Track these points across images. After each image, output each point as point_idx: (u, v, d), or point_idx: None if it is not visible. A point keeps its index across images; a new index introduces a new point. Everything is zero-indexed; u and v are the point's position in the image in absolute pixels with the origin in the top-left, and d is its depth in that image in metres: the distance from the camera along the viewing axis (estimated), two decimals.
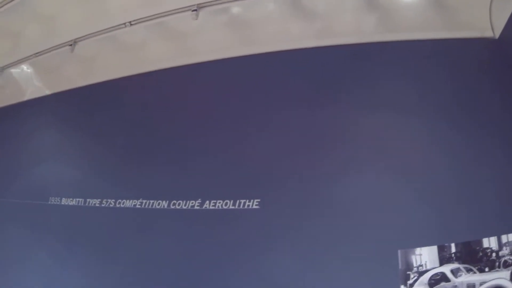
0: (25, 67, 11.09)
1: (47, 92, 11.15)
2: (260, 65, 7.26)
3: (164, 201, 6.86)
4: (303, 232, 5.70)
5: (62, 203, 8.28)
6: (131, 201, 7.16)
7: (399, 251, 5.12)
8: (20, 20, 9.27)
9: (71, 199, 8.14)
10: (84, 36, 8.69)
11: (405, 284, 5.15)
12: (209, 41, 7.66)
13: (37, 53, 9.79)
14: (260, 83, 7.12)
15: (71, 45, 8.86)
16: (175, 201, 6.77)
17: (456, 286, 4.86)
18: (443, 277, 5.02)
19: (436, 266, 5.16)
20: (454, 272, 4.97)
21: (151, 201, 6.99)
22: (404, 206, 5.38)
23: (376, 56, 6.35)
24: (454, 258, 5.08)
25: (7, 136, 11.38)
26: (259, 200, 6.08)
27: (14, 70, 11.21)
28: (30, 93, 11.67)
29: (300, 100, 6.52)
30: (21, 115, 11.48)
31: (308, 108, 6.31)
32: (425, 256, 5.24)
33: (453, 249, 5.13)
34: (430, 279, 5.08)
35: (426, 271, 5.17)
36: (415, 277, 5.17)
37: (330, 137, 6.03)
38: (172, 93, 8.07)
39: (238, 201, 6.21)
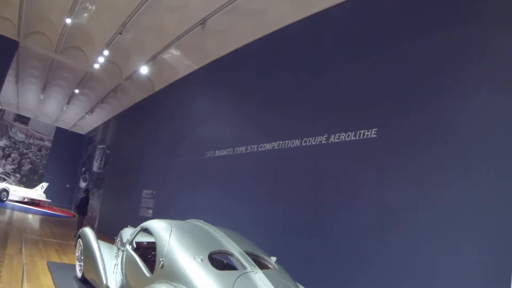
0: (173, 51, 13.19)
1: (195, 67, 13.08)
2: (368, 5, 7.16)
3: (296, 140, 7.39)
4: (419, 158, 5.34)
5: (216, 155, 9.89)
6: (270, 144, 8.01)
7: None
8: (157, 14, 11.25)
9: (222, 150, 9.64)
10: (211, 13, 10.13)
11: None
12: None
13: (177, 37, 11.71)
14: (369, 23, 6.97)
15: (201, 24, 10.40)
16: (305, 139, 7.19)
17: None
18: None
19: None
20: None
21: (286, 142, 7.61)
22: None
23: None
24: None
25: (172, 110, 13.83)
26: (376, 129, 6.00)
27: (165, 56, 13.46)
28: (183, 71, 13.87)
29: (416, 29, 5.97)
30: (180, 90, 13.81)
31: (421, 38, 5.82)
32: None
33: None
34: None
35: None
36: None
37: (450, 62, 5.34)
38: (294, 45, 8.70)
39: (358, 131, 6.22)
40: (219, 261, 5.73)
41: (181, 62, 13.59)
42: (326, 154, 6.77)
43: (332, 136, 6.68)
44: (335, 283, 5.95)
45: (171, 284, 4.25)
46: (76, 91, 20.58)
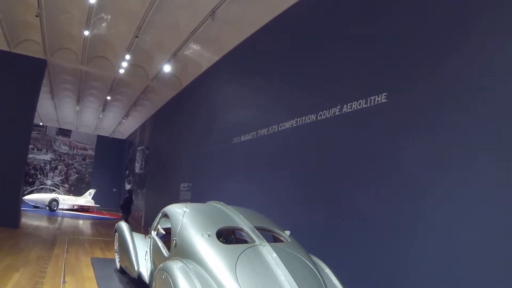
0: (194, 46, 13.71)
1: (216, 58, 13.58)
2: None
3: (312, 115, 7.59)
4: (431, 119, 5.22)
5: (242, 140, 10.34)
6: (289, 122, 8.30)
7: None
8: (168, 12, 11.79)
9: (247, 134, 10.08)
10: (218, 3, 10.54)
11: None
12: None
13: (192, 32, 12.21)
14: None
15: (211, 15, 10.87)
16: (320, 112, 7.37)
17: None
18: None
19: None
20: None
21: (303, 117, 7.83)
22: None
23: None
24: None
25: (200, 103, 14.44)
26: (385, 93, 5.96)
27: (186, 52, 14.07)
28: (205, 64, 14.43)
29: None
30: (205, 83, 14.41)
31: None
32: None
33: None
34: None
35: None
36: None
37: (459, 18, 5.09)
38: (302, 22, 8.93)
39: (368, 98, 6.25)
40: (242, 240, 5.98)
41: (202, 55, 14.12)
42: (341, 125, 6.92)
43: (345, 106, 6.82)
44: (350, 250, 6.20)
45: (181, 261, 4.57)
46: (108, 98, 21.53)
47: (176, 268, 4.28)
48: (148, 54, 15.10)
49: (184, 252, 4.79)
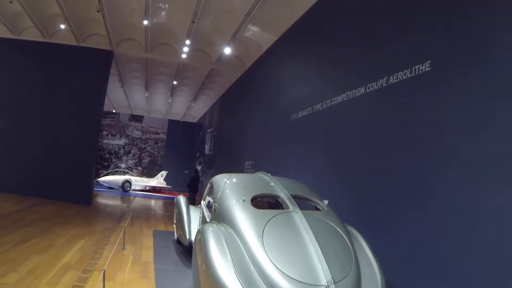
0: (252, 27, 14.31)
1: (274, 38, 14.06)
2: None
3: (361, 88, 7.73)
4: (477, 88, 5.02)
5: (299, 116, 10.70)
6: (340, 96, 8.52)
7: None
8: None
9: (303, 111, 10.43)
10: None
11: None
12: None
13: (246, 14, 12.70)
14: None
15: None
16: (369, 85, 7.48)
17: None
18: None
19: None
20: None
21: (353, 91, 8.01)
22: None
23: None
24: None
25: (263, 82, 14.96)
26: (429, 61, 5.90)
27: (247, 34, 14.70)
28: (265, 44, 14.94)
29: None
30: (267, 63, 14.94)
31: None
32: None
33: None
34: None
35: None
36: None
37: None
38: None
39: (413, 67, 6.22)
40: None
41: (261, 36, 14.66)
42: (388, 97, 6.95)
43: (391, 77, 6.86)
44: (393, 222, 6.35)
45: (216, 224, 4.94)
46: (175, 82, 22.56)
47: (210, 230, 4.69)
48: (208, 38, 15.82)
49: (220, 216, 5.21)
